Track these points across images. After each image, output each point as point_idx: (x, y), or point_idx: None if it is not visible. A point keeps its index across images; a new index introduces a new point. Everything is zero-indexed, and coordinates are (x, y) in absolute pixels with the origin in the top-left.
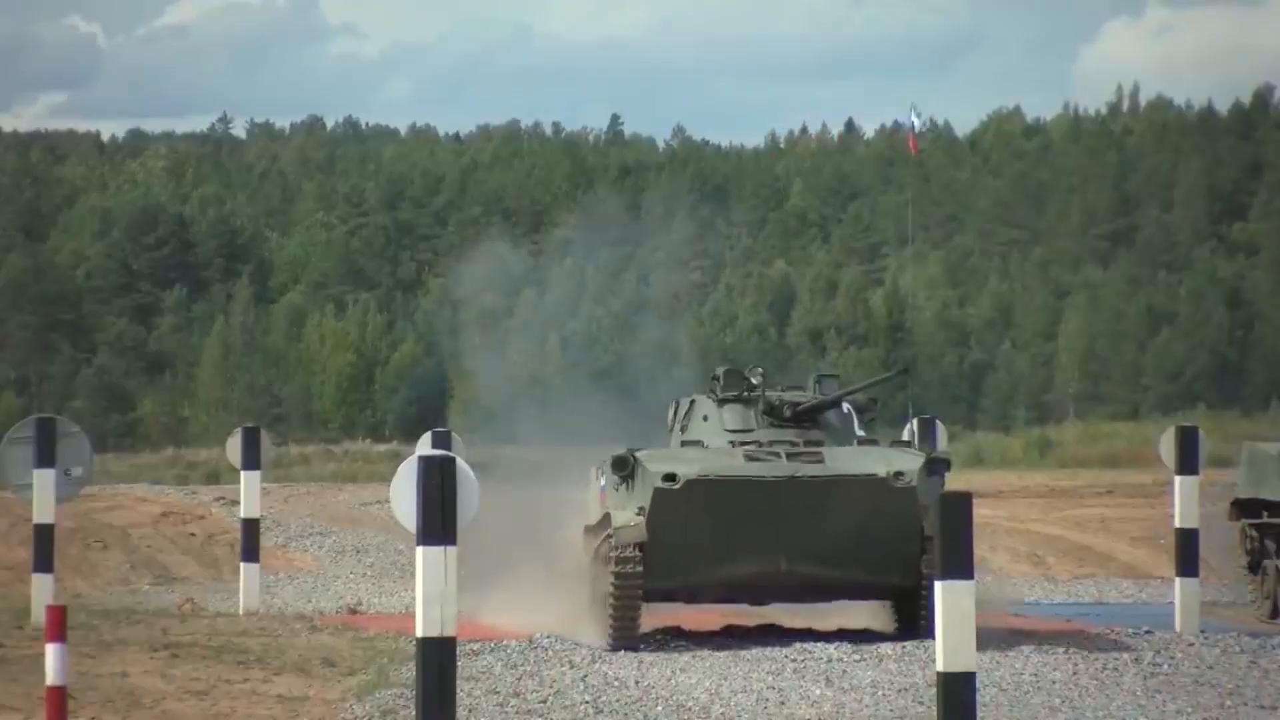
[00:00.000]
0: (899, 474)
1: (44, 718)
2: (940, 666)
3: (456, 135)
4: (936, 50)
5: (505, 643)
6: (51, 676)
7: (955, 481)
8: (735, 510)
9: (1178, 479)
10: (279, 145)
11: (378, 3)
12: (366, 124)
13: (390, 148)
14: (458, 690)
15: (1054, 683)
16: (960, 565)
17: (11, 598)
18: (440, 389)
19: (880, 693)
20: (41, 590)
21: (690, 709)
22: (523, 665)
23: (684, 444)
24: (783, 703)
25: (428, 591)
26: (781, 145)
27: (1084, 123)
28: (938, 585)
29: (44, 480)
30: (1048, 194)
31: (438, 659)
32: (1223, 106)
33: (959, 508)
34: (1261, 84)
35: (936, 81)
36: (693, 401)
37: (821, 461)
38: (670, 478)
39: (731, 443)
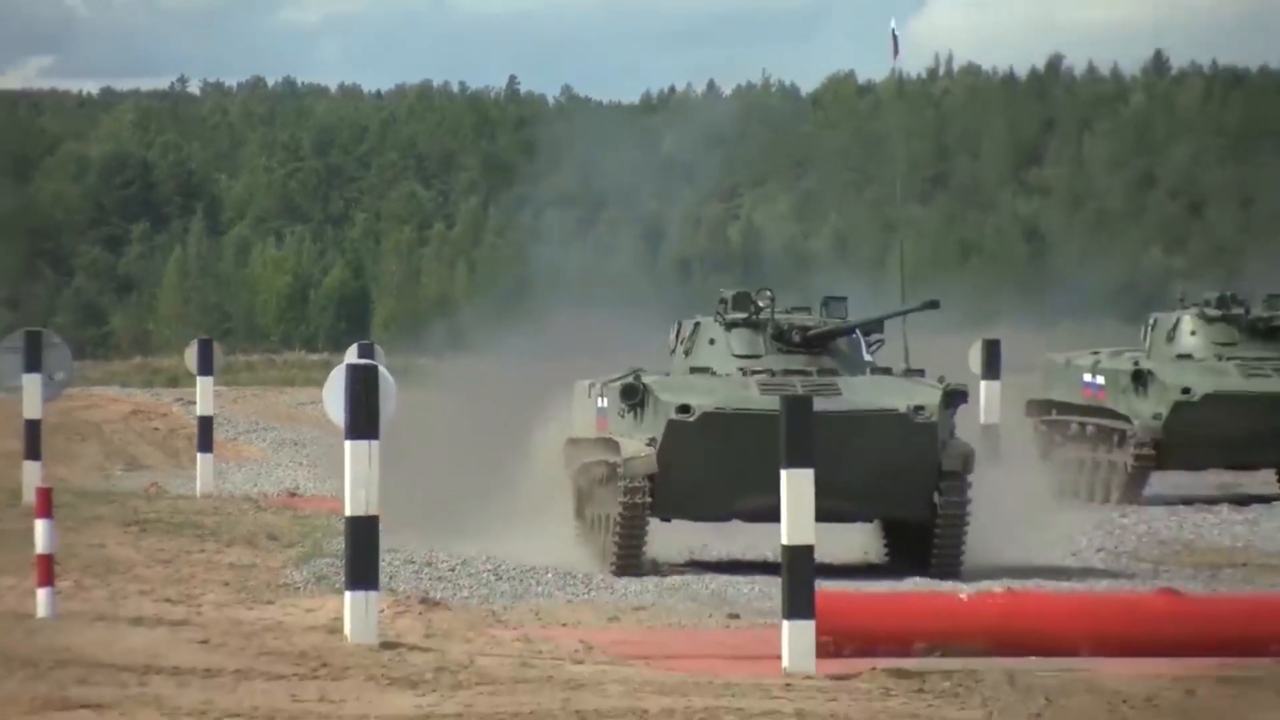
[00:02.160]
0: (919, 408)
1: (34, 580)
2: (785, 541)
3: (378, 92)
4: (787, 21)
5: (418, 520)
6: (40, 547)
7: None
8: (750, 444)
9: (983, 383)
10: (228, 101)
11: None
12: (302, 82)
13: (322, 103)
14: (380, 560)
15: None
16: (801, 456)
17: (5, 481)
18: (364, 307)
19: None
20: (31, 475)
21: (575, 576)
22: (435, 538)
23: (692, 370)
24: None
25: (354, 477)
26: (654, 102)
27: (908, 84)
28: (783, 473)
29: (32, 383)
30: (877, 144)
31: (363, 533)
32: (1022, 72)
33: (799, 407)
34: (1053, 53)
35: (786, 48)
36: (697, 324)
37: (839, 394)
38: (684, 409)
39: (741, 370)
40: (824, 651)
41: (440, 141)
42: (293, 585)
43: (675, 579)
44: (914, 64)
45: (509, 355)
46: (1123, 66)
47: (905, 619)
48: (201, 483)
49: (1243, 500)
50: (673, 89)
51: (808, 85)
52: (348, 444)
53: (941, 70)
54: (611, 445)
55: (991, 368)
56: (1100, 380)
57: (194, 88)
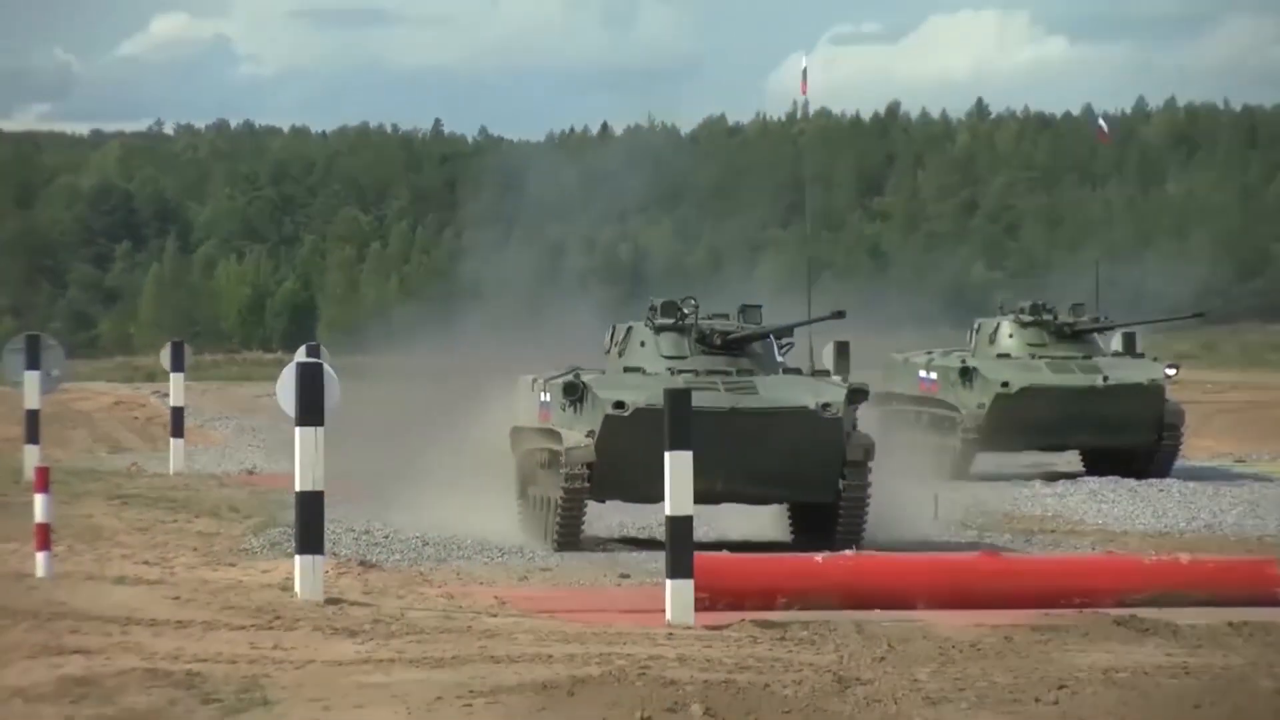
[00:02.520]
0: (826, 405)
1: (34, 546)
2: (668, 512)
3: (323, 132)
4: (669, 73)
5: (358, 494)
6: (39, 517)
7: None
8: None
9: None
10: (197, 140)
11: (273, 38)
12: (259, 124)
13: (276, 141)
14: (325, 529)
15: None
16: (681, 441)
17: (8, 462)
18: (312, 314)
19: None
20: (31, 456)
21: (490, 542)
22: (371, 510)
23: (625, 370)
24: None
25: (303, 458)
26: (557, 140)
27: (770, 126)
28: (666, 455)
29: (32, 378)
30: (745, 176)
31: (310, 506)
32: (866, 116)
33: (679, 400)
34: (892, 100)
35: (670, 93)
36: (630, 328)
37: (756, 392)
38: (620, 405)
39: (670, 370)
40: (701, 606)
41: (376, 174)
42: (251, 550)
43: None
44: (776, 108)
45: (434, 353)
46: (950, 112)
47: (770, 578)
48: (174, 463)
49: (1052, 477)
50: (572, 129)
51: (686, 126)
52: (297, 430)
53: (799, 114)
54: (554, 435)
55: (842, 365)
56: (934, 376)
57: (169, 129)
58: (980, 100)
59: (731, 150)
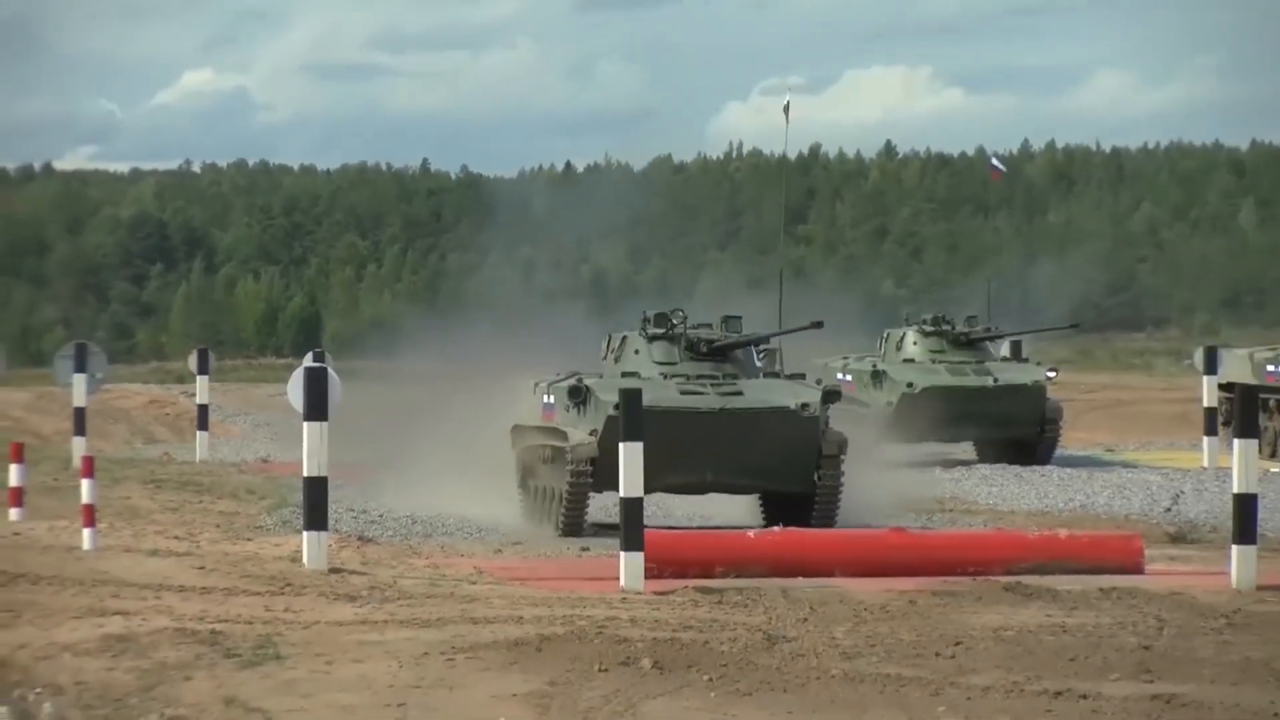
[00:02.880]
0: (804, 405)
1: (81, 523)
2: (622, 494)
3: (328, 170)
4: (622, 119)
5: (357, 479)
6: (85, 498)
7: None
8: (673, 435)
9: None
10: (220, 176)
11: (285, 89)
12: (274, 163)
13: (288, 178)
14: (329, 509)
15: None
16: (634, 433)
17: (59, 452)
18: (318, 325)
19: None
20: (78, 447)
21: (478, 521)
22: (368, 493)
23: (623, 375)
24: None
25: (310, 448)
26: (527, 177)
27: (709, 164)
28: (621, 446)
29: (80, 381)
30: (689, 209)
31: (316, 489)
32: (792, 154)
33: (631, 399)
34: (814, 142)
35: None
36: (624, 337)
37: (741, 394)
38: (620, 406)
39: (663, 374)
40: (650, 574)
41: (372, 206)
42: (265, 527)
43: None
44: (715, 149)
45: (421, 359)
46: (863, 152)
47: (709, 551)
48: (200, 453)
49: (949, 464)
50: (540, 166)
51: (638, 164)
52: (305, 425)
53: (734, 154)
54: (558, 434)
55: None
56: (849, 378)
57: (196, 167)
58: (889, 142)
59: (677, 185)
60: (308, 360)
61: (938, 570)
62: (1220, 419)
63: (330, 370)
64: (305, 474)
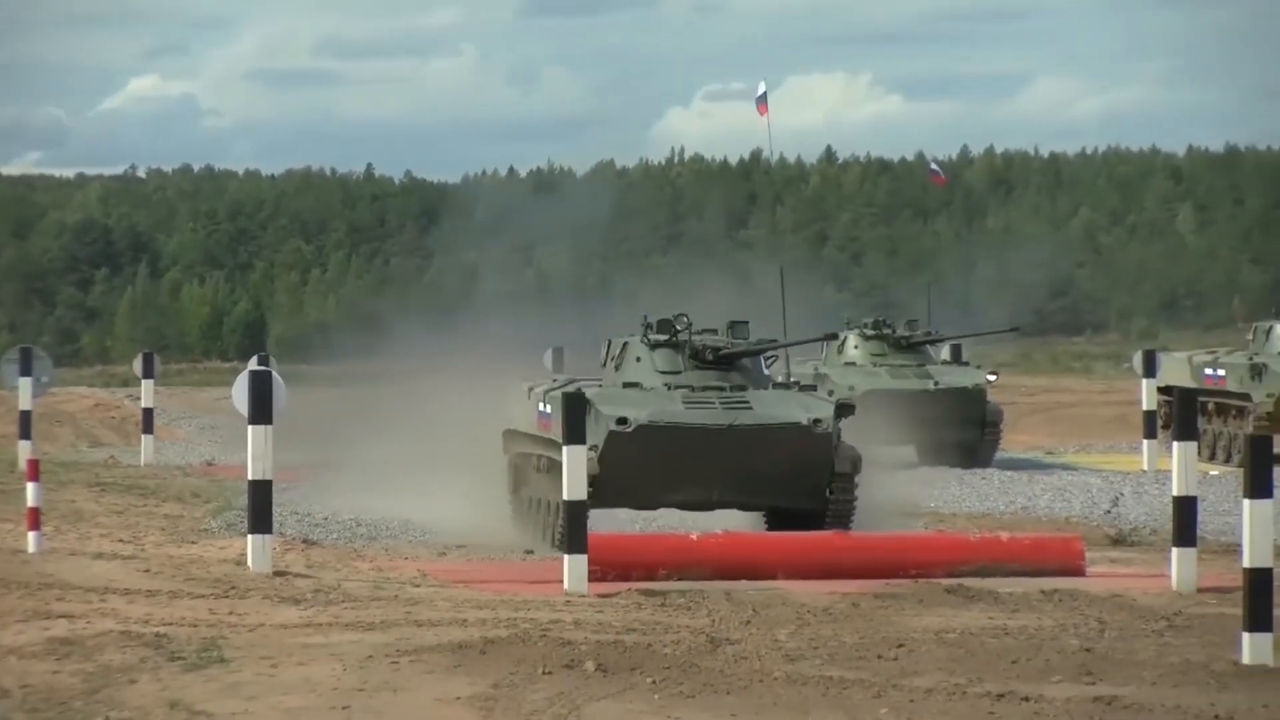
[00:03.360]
0: (817, 420)
1: (26, 525)
2: (565, 497)
3: (273, 175)
4: (569, 123)
5: (301, 482)
6: (30, 501)
7: None
8: (678, 451)
9: None
10: (166, 182)
11: (231, 95)
12: (219, 168)
13: (233, 183)
14: (273, 512)
15: None
16: (576, 437)
17: (5, 455)
18: (262, 329)
19: None
20: (24, 450)
21: (422, 524)
22: (313, 496)
23: (624, 385)
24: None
25: (255, 452)
26: (471, 182)
27: (652, 170)
28: (564, 449)
29: (25, 384)
30: (630, 213)
31: (260, 492)
32: (733, 160)
33: (573, 403)
34: (755, 147)
35: (566, 143)
36: (625, 343)
37: (750, 408)
38: (623, 421)
39: (666, 385)
40: (594, 577)
41: (317, 211)
42: (210, 530)
43: (486, 526)
44: (657, 154)
45: (367, 362)
46: (804, 157)
47: (652, 554)
48: (145, 456)
49: (892, 467)
50: (484, 172)
51: (581, 169)
52: (250, 428)
53: (676, 159)
54: (555, 446)
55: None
56: None
57: (142, 172)
58: (829, 148)
59: (620, 190)
60: (252, 364)
61: (880, 573)
62: (1159, 422)
63: (275, 374)
64: (250, 477)
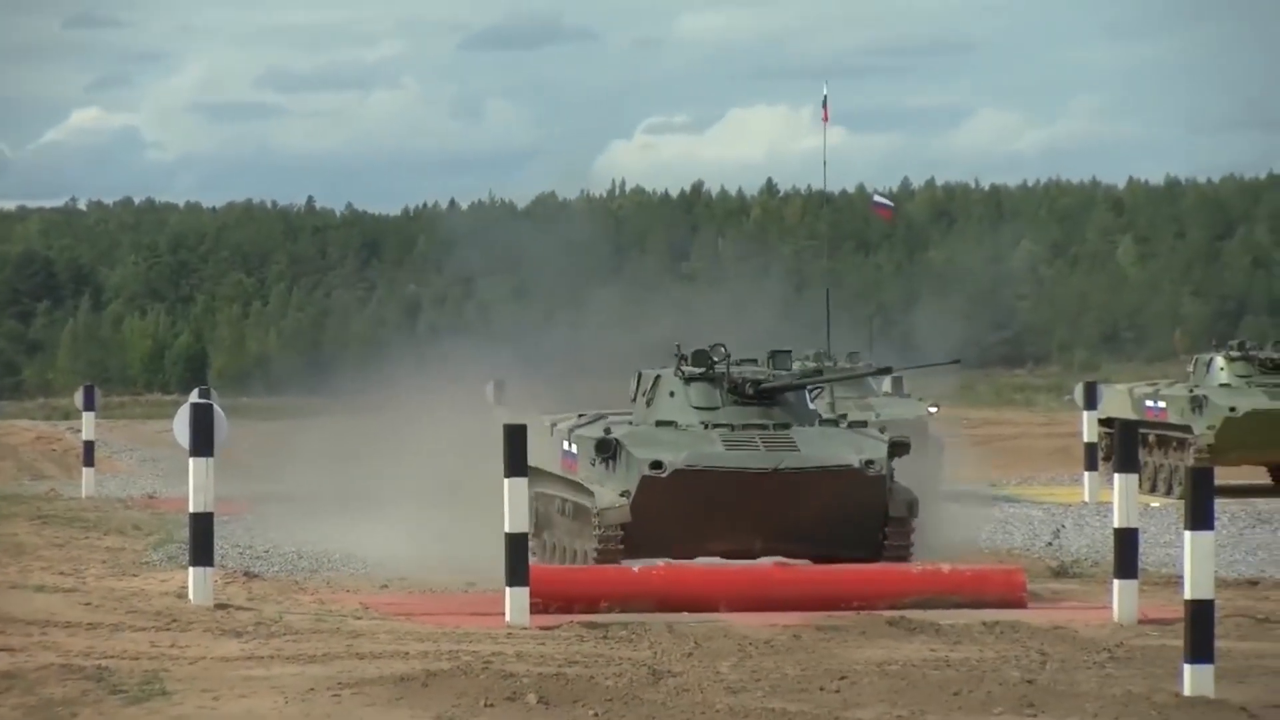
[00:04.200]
0: (870, 462)
1: None
2: (506, 530)
3: (214, 207)
4: (509, 156)
5: (242, 515)
6: None
7: None
8: (718, 498)
9: None
10: (107, 214)
11: (173, 128)
12: (160, 201)
13: (174, 215)
14: (214, 544)
15: None
16: (518, 468)
17: None
18: (204, 362)
19: None
20: None
21: (364, 557)
22: (254, 529)
23: (658, 423)
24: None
25: (196, 484)
26: (411, 215)
27: (594, 202)
28: (505, 481)
29: None
30: (573, 247)
31: (202, 525)
32: (674, 193)
33: (515, 434)
34: (697, 180)
35: (508, 176)
36: (658, 377)
37: (797, 449)
38: (657, 465)
39: (704, 423)
40: (536, 610)
41: (258, 243)
42: (152, 563)
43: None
44: (599, 187)
45: (308, 395)
46: (745, 189)
47: (593, 586)
48: (86, 489)
49: None
50: (425, 204)
51: (521, 202)
52: (191, 460)
53: (618, 191)
54: (582, 490)
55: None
56: None
57: (83, 205)
58: (770, 180)
59: (561, 222)
60: (193, 397)
61: (822, 605)
62: (1100, 454)
63: (216, 407)
64: (191, 509)
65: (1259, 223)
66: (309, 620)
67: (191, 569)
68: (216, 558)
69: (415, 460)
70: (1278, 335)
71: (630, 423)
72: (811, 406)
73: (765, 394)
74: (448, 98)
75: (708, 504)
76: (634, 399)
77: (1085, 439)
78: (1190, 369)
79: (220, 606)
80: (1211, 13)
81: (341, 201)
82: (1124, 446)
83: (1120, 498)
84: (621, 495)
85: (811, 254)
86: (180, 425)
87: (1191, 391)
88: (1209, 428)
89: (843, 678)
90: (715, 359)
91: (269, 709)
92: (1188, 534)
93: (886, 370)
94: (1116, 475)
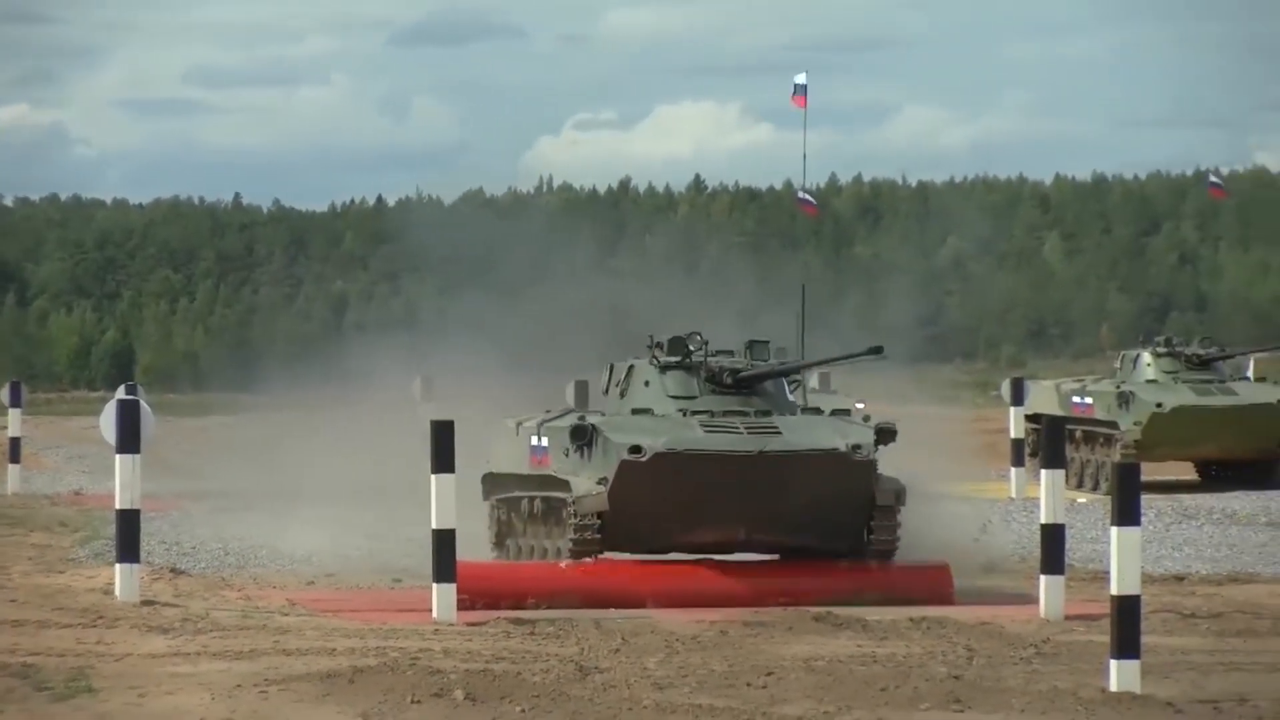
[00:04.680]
0: (857, 446)
1: None
2: (434, 526)
3: (141, 204)
4: (437, 153)
5: (169, 511)
6: None
7: None
8: (700, 483)
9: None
10: (34, 210)
11: (100, 124)
12: (87, 197)
13: (101, 211)
14: (141, 541)
15: None
16: (445, 464)
17: None
18: (131, 359)
19: None
20: None
21: (290, 553)
22: (181, 525)
23: (634, 411)
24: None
25: (123, 481)
26: (339, 211)
27: (520, 198)
28: (432, 478)
29: None
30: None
31: (128, 521)
32: (601, 189)
33: (443, 429)
34: (625, 176)
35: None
36: (631, 366)
37: (780, 434)
38: (636, 449)
39: (681, 411)
40: (462, 606)
41: (185, 239)
42: (78, 560)
43: (354, 553)
44: (525, 183)
45: (235, 391)
46: (672, 186)
47: (521, 582)
48: (11, 485)
49: None
50: (352, 201)
51: (449, 198)
52: (118, 457)
53: (544, 188)
54: (555, 482)
55: (581, 402)
56: None
57: (9, 201)
58: (697, 176)
59: (487, 219)
60: (120, 393)
61: (749, 600)
62: (1027, 450)
63: (142, 403)
64: (118, 506)
65: (1185, 219)
66: (235, 617)
67: (118, 565)
68: (143, 554)
69: (342, 457)
70: (1204, 331)
71: (603, 414)
72: (791, 398)
73: (744, 383)
74: (376, 94)
75: (690, 490)
76: (605, 391)
77: (1012, 435)
78: (1117, 365)
79: (146, 603)
80: (1139, 11)
81: (268, 198)
82: (1051, 442)
83: (1047, 493)
84: (599, 483)
85: (739, 251)
86: (107, 422)
87: (1118, 388)
88: (1135, 424)
89: (769, 673)
90: (692, 347)
91: (195, 705)
92: (1114, 530)
93: (878, 350)
94: (1043, 471)
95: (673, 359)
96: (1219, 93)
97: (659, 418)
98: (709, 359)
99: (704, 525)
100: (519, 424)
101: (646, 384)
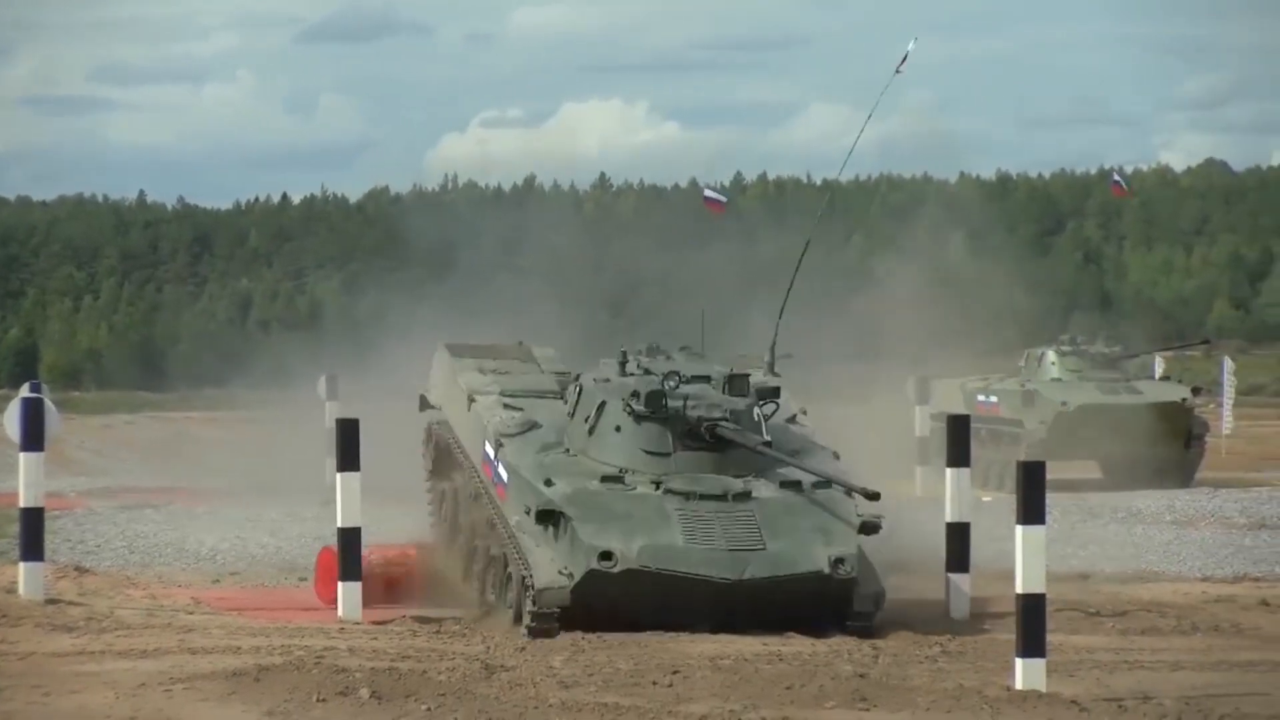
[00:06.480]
0: (840, 561)
1: None
2: (339, 524)
3: (44, 201)
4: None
5: (74, 509)
6: None
7: None
8: (671, 597)
9: None
10: None
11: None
12: None
13: (4, 209)
14: (45, 539)
15: None
16: (351, 462)
17: None
18: (35, 357)
19: None
20: None
21: (187, 549)
22: (85, 524)
23: (604, 478)
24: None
25: (27, 479)
26: (243, 208)
27: (425, 195)
28: (338, 476)
29: None
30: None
31: (32, 520)
32: (507, 187)
33: (346, 427)
34: (530, 174)
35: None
36: (603, 404)
37: (763, 547)
38: (607, 556)
39: (655, 481)
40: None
41: (90, 237)
42: None
43: (259, 551)
44: (432, 181)
45: (139, 390)
46: (578, 184)
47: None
48: None
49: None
50: (257, 199)
51: (354, 196)
52: (21, 455)
53: (450, 185)
54: (511, 534)
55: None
56: None
57: None
58: (603, 174)
59: (393, 216)
60: (24, 391)
61: None
62: (931, 448)
63: (47, 401)
64: (22, 504)
65: (1089, 218)
66: (141, 615)
67: (22, 564)
68: (47, 552)
69: (247, 455)
70: (1108, 330)
71: (566, 446)
72: (756, 418)
73: (721, 441)
74: (281, 91)
75: (659, 599)
76: (571, 413)
77: (917, 433)
78: (1021, 363)
79: (51, 601)
80: (1043, 10)
81: (173, 195)
82: (956, 441)
83: (952, 492)
84: (562, 574)
85: (646, 249)
86: (10, 420)
87: (1023, 386)
88: (1041, 422)
89: (675, 672)
90: (669, 400)
91: (100, 704)
92: (1019, 528)
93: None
94: (948, 469)
95: (647, 411)
96: (1124, 92)
97: (632, 496)
98: (687, 409)
99: (670, 623)
100: (471, 396)
101: (617, 429)
